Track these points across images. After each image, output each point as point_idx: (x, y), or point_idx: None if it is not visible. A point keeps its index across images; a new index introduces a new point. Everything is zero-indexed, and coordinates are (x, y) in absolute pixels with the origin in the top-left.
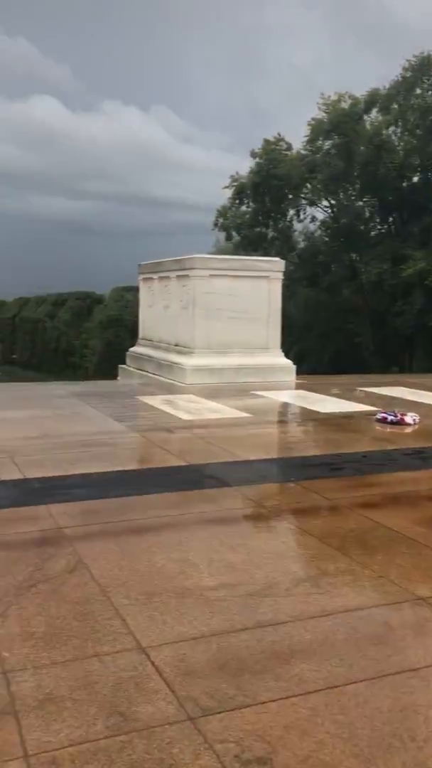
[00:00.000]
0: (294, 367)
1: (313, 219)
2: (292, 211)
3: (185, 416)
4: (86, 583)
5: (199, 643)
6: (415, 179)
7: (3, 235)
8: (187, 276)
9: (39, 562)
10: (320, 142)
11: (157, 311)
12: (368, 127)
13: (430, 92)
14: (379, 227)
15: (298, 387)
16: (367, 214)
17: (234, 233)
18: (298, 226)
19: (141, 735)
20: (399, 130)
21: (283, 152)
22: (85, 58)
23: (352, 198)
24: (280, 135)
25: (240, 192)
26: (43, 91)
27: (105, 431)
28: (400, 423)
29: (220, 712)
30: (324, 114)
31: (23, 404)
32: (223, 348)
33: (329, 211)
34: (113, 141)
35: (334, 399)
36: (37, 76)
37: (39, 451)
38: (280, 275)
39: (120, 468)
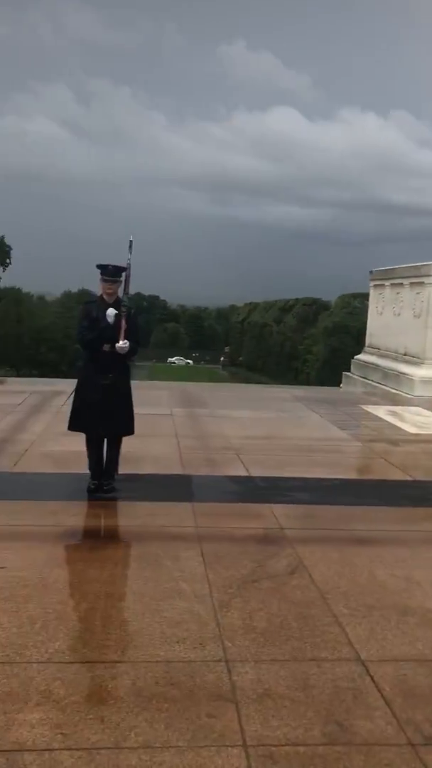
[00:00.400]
0: None
1: None
2: None
3: (411, 429)
4: (306, 586)
5: (422, 665)
6: None
7: (239, 243)
8: (422, 283)
9: (261, 559)
10: None
11: (386, 319)
12: None
13: None
14: None
15: None
16: None
17: None
18: None
19: (359, 750)
20: None
21: None
22: (325, 66)
23: None
24: None
25: None
26: (282, 101)
27: (328, 438)
28: None
29: None
30: None
31: (249, 405)
32: None
33: None
34: (349, 148)
35: None
36: (278, 88)
37: (263, 451)
38: None
39: (342, 476)
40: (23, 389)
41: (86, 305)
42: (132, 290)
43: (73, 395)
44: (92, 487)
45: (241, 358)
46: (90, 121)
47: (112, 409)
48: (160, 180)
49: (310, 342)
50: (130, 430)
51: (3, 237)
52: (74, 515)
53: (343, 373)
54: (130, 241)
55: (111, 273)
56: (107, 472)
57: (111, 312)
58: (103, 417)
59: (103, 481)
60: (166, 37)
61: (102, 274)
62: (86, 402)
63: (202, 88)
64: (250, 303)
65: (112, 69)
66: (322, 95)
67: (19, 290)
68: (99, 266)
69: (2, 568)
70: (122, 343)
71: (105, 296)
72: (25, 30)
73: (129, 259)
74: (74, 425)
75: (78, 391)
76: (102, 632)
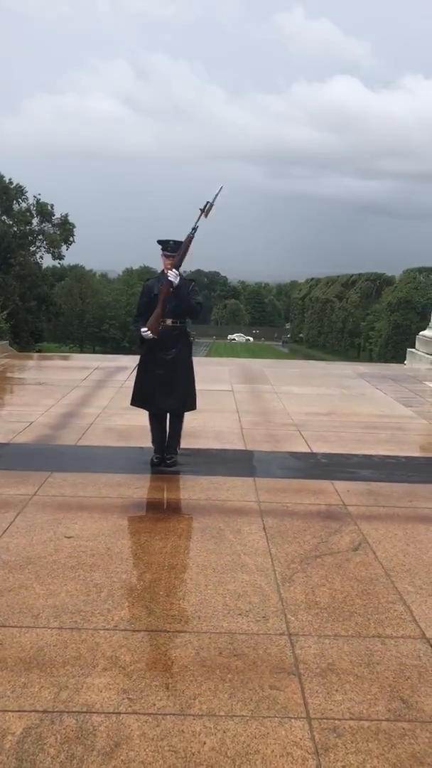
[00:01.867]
0: None
1: None
2: None
3: None
4: (370, 563)
5: None
6: None
7: (299, 217)
8: None
9: (324, 535)
10: None
11: None
12: None
13: None
14: None
15: None
16: None
17: None
18: None
19: (424, 727)
20: None
21: None
22: (386, 33)
23: None
24: None
25: None
26: (342, 71)
27: (391, 414)
28: None
29: None
30: None
31: (311, 381)
32: None
33: None
34: (411, 117)
35: None
36: (338, 57)
37: (325, 428)
38: None
39: (406, 453)
40: (87, 365)
41: (146, 282)
42: (192, 267)
43: (135, 371)
44: (155, 460)
45: (302, 335)
46: (149, 97)
47: (174, 384)
48: (218, 155)
49: (373, 318)
50: (191, 406)
51: (67, 215)
52: (138, 488)
53: (408, 349)
54: (220, 190)
55: (172, 248)
56: (170, 446)
57: (173, 273)
58: (165, 393)
59: (166, 455)
60: (223, 7)
61: (163, 249)
62: (148, 378)
63: (260, 60)
64: (312, 279)
65: (170, 43)
66: (383, 63)
67: (82, 268)
68: (160, 242)
69: (69, 537)
70: (145, 332)
71: (166, 271)
72: (85, 7)
73: (193, 231)
74: (136, 401)
75: (140, 367)
76: (166, 602)
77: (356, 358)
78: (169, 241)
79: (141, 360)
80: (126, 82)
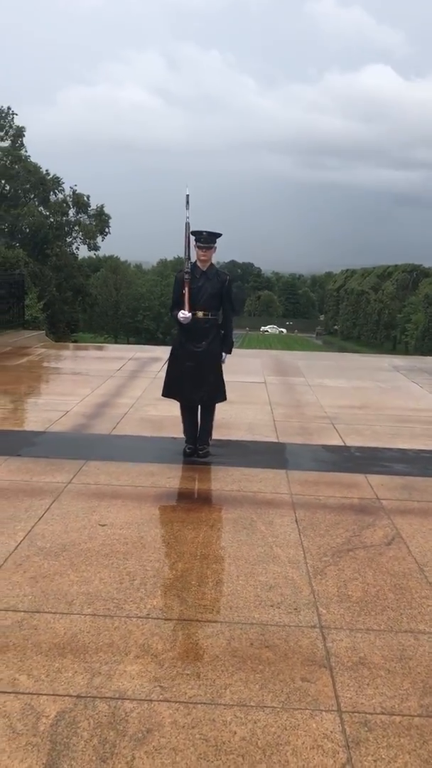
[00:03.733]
0: None
1: None
2: None
3: None
4: (403, 557)
5: None
6: None
7: (333, 208)
8: None
9: (356, 529)
10: None
11: None
12: None
13: None
14: None
15: None
16: None
17: None
18: None
19: None
20: None
21: None
22: (419, 21)
23: None
24: None
25: None
26: (375, 60)
27: (427, 408)
28: None
29: None
30: None
31: (345, 374)
32: None
33: None
34: None
35: None
36: (370, 45)
37: (359, 421)
38: None
39: None
40: (122, 355)
41: (178, 274)
42: (226, 258)
43: (167, 362)
44: (188, 451)
45: (336, 327)
46: (180, 87)
47: (204, 376)
48: (250, 145)
49: (409, 310)
50: (221, 397)
51: (103, 206)
52: (171, 477)
53: None
54: (187, 196)
55: (205, 239)
56: (201, 437)
57: (182, 315)
58: (195, 385)
59: (198, 447)
60: None
61: (196, 240)
62: (179, 369)
63: (291, 50)
64: (347, 270)
65: (201, 33)
66: (417, 51)
67: (117, 259)
68: (193, 233)
69: (103, 525)
70: (182, 314)
71: (199, 263)
72: None
73: (187, 218)
74: (168, 392)
75: (171, 358)
76: (198, 592)
77: (392, 350)
78: (203, 231)
79: (172, 351)
80: (158, 72)
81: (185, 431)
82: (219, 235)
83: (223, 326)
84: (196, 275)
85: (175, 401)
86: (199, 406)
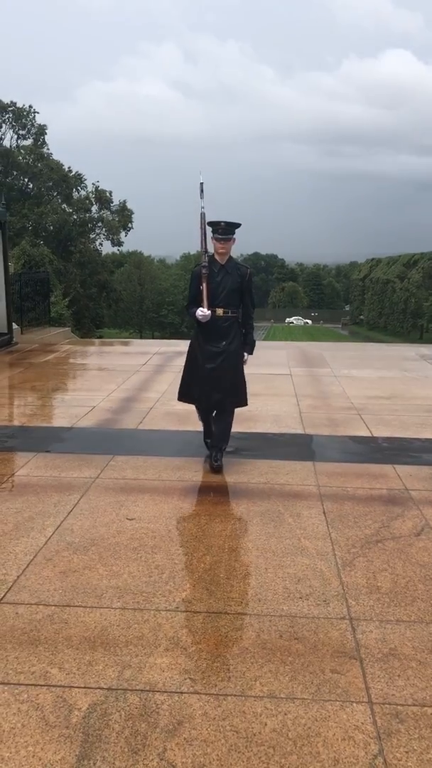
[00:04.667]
0: None
1: None
2: None
3: None
4: None
5: None
6: None
7: (354, 196)
8: None
9: (385, 520)
10: None
11: None
12: None
13: None
14: None
15: None
16: None
17: None
18: None
19: None
20: None
21: None
22: None
23: None
24: None
25: None
26: (394, 45)
27: None
28: None
29: None
30: None
31: (371, 364)
32: None
33: None
34: None
35: None
36: (389, 30)
37: (386, 411)
38: None
39: None
40: (147, 350)
41: (195, 269)
42: (249, 250)
43: (185, 363)
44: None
45: (362, 317)
46: (198, 79)
47: (223, 379)
48: (270, 135)
49: None
50: (242, 402)
51: (125, 201)
52: (197, 471)
53: None
54: (201, 184)
55: (224, 230)
56: (216, 444)
57: (201, 313)
58: (214, 387)
59: (213, 457)
60: None
61: (213, 232)
62: (196, 371)
63: (308, 38)
64: (372, 259)
65: (217, 24)
66: None
67: (140, 254)
68: (210, 223)
69: (131, 519)
70: (200, 312)
71: (217, 256)
72: None
73: (202, 207)
74: (184, 396)
75: (189, 359)
76: (226, 585)
77: (419, 339)
78: (221, 222)
79: (189, 352)
80: (175, 65)
81: (205, 436)
82: (238, 225)
83: (244, 324)
84: (215, 269)
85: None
86: (215, 412)
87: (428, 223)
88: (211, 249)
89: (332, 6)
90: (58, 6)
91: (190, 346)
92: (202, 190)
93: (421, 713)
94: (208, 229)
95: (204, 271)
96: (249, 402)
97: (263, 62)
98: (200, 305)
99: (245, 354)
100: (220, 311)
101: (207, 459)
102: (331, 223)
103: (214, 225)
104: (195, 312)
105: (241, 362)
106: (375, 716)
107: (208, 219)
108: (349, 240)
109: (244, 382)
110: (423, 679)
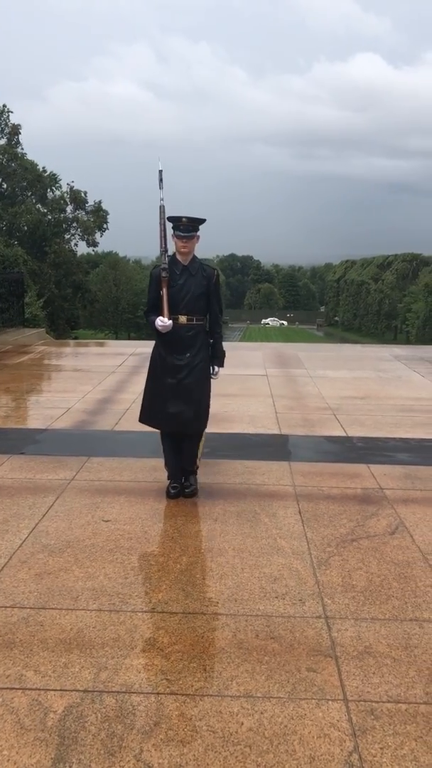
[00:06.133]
0: None
1: None
2: None
3: None
4: (407, 546)
5: None
6: None
7: (328, 198)
8: None
9: (360, 519)
10: None
11: None
12: None
13: None
14: None
15: None
16: None
17: None
18: None
19: None
20: None
21: None
22: (405, 8)
23: None
24: None
25: None
26: (364, 48)
27: (428, 397)
28: None
29: None
30: None
31: (346, 365)
32: None
33: None
34: None
35: None
36: (358, 34)
37: (361, 411)
38: None
39: None
40: (122, 351)
41: (154, 270)
42: (226, 251)
43: (146, 380)
44: (172, 491)
45: (337, 318)
46: (171, 80)
47: (186, 396)
48: (243, 137)
49: (410, 300)
50: (202, 425)
51: (101, 202)
52: None
53: None
54: (160, 172)
55: (185, 226)
56: (186, 470)
57: (161, 322)
58: (177, 406)
59: (185, 482)
60: None
61: (174, 228)
62: (157, 388)
63: (279, 40)
64: (347, 261)
65: (188, 26)
66: (404, 39)
67: (116, 255)
68: (171, 219)
69: (107, 521)
70: (160, 322)
71: (179, 256)
72: None
73: (162, 200)
74: (146, 417)
75: (150, 375)
76: (203, 585)
77: (393, 340)
78: (182, 217)
79: (150, 366)
80: (147, 66)
81: (167, 464)
82: (202, 221)
83: (212, 333)
84: (176, 271)
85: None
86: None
87: (401, 225)
88: (171, 248)
89: (302, 9)
90: (25, 5)
91: (151, 359)
92: (161, 179)
93: (396, 710)
94: (168, 225)
95: (164, 273)
96: (225, 403)
97: (235, 64)
98: (161, 313)
99: (215, 367)
100: (183, 319)
101: (170, 488)
102: (306, 224)
103: (175, 220)
104: (154, 321)
105: (208, 378)
106: (350, 713)
107: (169, 214)
108: (323, 242)
109: (208, 402)
110: (397, 676)
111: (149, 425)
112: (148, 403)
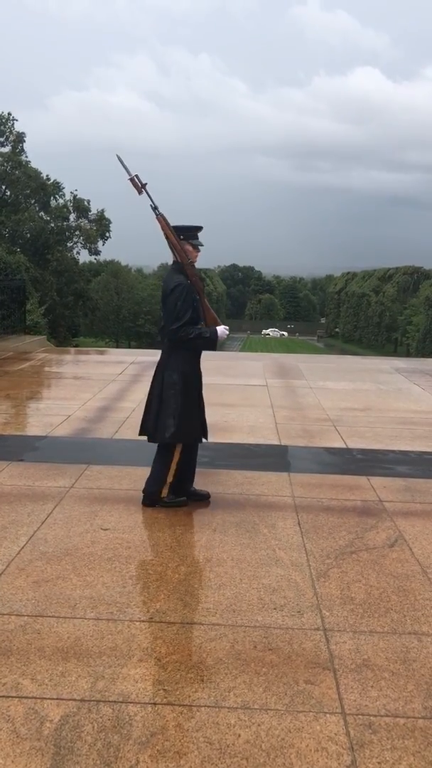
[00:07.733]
0: None
1: None
2: None
3: None
4: (406, 559)
5: None
6: None
7: (328, 211)
8: None
9: (359, 531)
10: None
11: None
12: None
13: None
14: None
15: None
16: None
17: None
18: None
19: None
20: None
21: None
22: (403, 23)
23: None
24: None
25: None
26: (363, 62)
27: (428, 410)
28: None
29: None
30: None
31: (346, 376)
32: None
33: None
34: None
35: None
36: (357, 48)
37: (361, 423)
38: None
39: None
40: (123, 359)
41: (186, 282)
42: (227, 261)
43: (177, 395)
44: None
45: (337, 330)
46: (171, 92)
47: (203, 403)
48: (243, 148)
49: (410, 312)
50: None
51: (103, 210)
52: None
53: None
54: (119, 158)
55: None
56: (192, 480)
57: (226, 330)
58: (203, 415)
59: (193, 490)
60: (237, 1)
61: (191, 238)
62: (193, 401)
63: (279, 54)
64: (348, 273)
65: (189, 38)
66: (402, 54)
67: (118, 263)
68: (189, 228)
69: (106, 529)
70: (225, 329)
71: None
72: (102, 3)
73: (156, 208)
74: (186, 435)
75: (184, 391)
76: (201, 595)
77: (393, 353)
78: (201, 227)
79: (186, 383)
80: (149, 77)
81: (176, 486)
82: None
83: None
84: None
85: None
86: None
87: (402, 238)
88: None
89: (301, 23)
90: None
91: (184, 376)
92: (123, 164)
93: (394, 724)
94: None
95: (201, 283)
96: (226, 412)
97: (236, 76)
98: (207, 323)
99: None
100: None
101: (191, 498)
102: (307, 236)
103: (192, 230)
104: (215, 332)
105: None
106: (348, 727)
107: (177, 223)
108: (324, 253)
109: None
110: (395, 690)
111: (188, 442)
112: (188, 419)
